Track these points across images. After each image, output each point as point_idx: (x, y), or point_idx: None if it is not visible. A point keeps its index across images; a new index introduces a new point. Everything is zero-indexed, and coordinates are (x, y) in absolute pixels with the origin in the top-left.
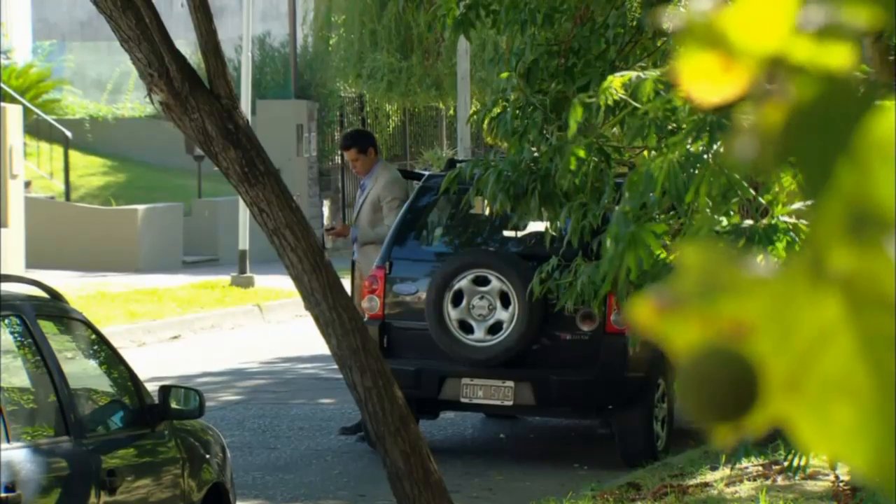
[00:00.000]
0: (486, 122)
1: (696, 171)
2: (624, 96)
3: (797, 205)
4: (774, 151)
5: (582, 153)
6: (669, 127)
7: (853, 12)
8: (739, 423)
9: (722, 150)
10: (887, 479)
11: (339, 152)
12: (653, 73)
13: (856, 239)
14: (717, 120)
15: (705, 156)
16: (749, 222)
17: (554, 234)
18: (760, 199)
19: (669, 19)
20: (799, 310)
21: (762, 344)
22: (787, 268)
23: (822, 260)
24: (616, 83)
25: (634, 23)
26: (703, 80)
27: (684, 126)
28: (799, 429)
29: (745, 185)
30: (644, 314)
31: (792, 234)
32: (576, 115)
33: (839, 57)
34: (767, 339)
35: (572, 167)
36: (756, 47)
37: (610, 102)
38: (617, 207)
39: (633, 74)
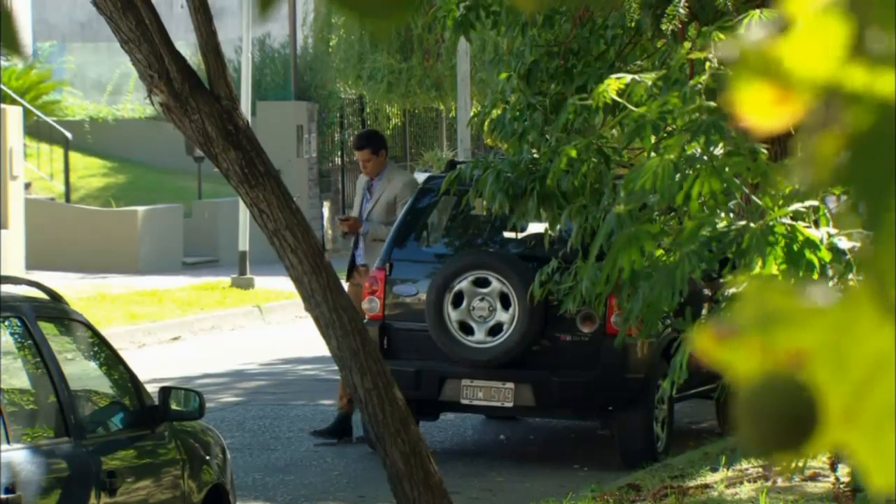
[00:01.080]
0: (486, 123)
1: (691, 172)
2: (618, 99)
3: (794, 206)
4: (832, 180)
5: (573, 153)
6: (668, 129)
7: None
8: (798, 451)
9: (718, 151)
10: None
11: (340, 153)
12: (648, 76)
13: None
14: (713, 121)
15: (703, 157)
16: (743, 223)
17: (553, 235)
18: (757, 200)
19: (727, 51)
20: (856, 339)
21: (820, 373)
22: (845, 297)
23: (884, 289)
24: (612, 86)
25: (633, 24)
26: (760, 110)
27: (681, 126)
28: (857, 456)
29: (740, 185)
30: (705, 343)
31: (789, 236)
32: (565, 116)
33: (893, 83)
34: (825, 369)
35: (562, 166)
36: (811, 76)
37: (601, 105)
38: (613, 208)
39: (629, 77)
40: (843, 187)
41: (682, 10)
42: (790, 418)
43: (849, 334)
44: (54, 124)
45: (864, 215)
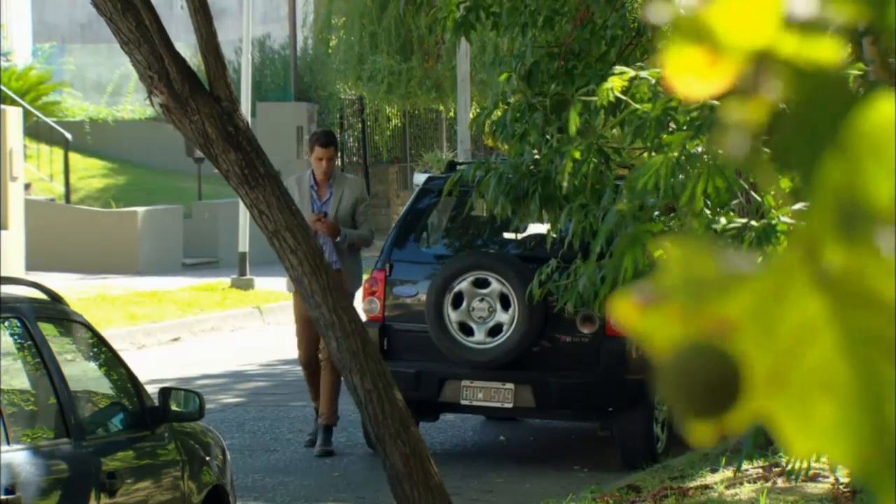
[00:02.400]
0: (486, 125)
1: (693, 171)
2: (622, 97)
3: (798, 206)
4: (762, 147)
5: (578, 155)
6: (670, 127)
7: (840, 7)
8: (721, 419)
9: (713, 146)
10: (869, 476)
11: (340, 154)
12: (652, 73)
13: (846, 234)
14: (716, 118)
15: (704, 156)
16: (744, 220)
17: (555, 236)
18: (758, 197)
19: (658, 15)
20: (782, 306)
21: (745, 340)
22: (771, 264)
23: (813, 256)
24: (616, 83)
25: (635, 24)
26: (690, 75)
27: (683, 125)
28: (781, 425)
29: (742, 183)
30: (626, 310)
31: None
32: (576, 114)
33: (826, 51)
34: (750, 336)
35: (569, 170)
36: (743, 42)
37: (605, 103)
38: (613, 207)
39: (632, 74)
40: (774, 154)
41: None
42: (713, 385)
43: (776, 301)
44: (54, 125)
45: (796, 182)
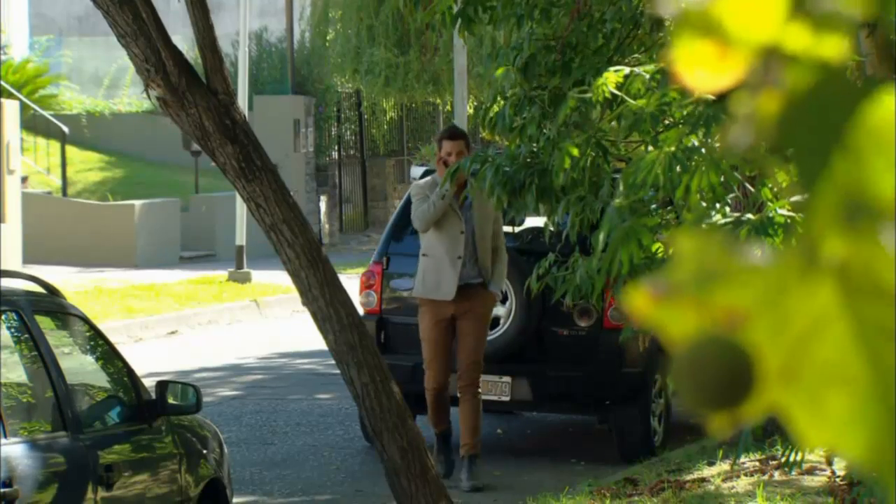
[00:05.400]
0: (484, 119)
1: (690, 165)
2: (617, 92)
3: (795, 198)
4: (769, 141)
5: (575, 152)
6: (666, 122)
7: (849, 1)
8: (735, 411)
9: (717, 141)
10: (881, 469)
11: (337, 148)
12: (646, 69)
13: (850, 227)
14: (713, 113)
15: (701, 149)
16: (737, 215)
17: (553, 229)
18: (754, 190)
19: (665, 8)
20: (794, 298)
21: (757, 332)
22: (782, 256)
23: (816, 248)
24: (610, 79)
25: (633, 17)
26: (698, 69)
27: (679, 119)
28: (794, 418)
29: (738, 177)
30: (639, 303)
31: (789, 227)
32: (565, 110)
33: (834, 46)
34: (762, 328)
35: (566, 166)
36: (751, 36)
37: (601, 99)
38: (612, 202)
39: (627, 70)
40: (781, 148)
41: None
42: (727, 378)
43: (787, 293)
44: (51, 118)
45: (801, 176)
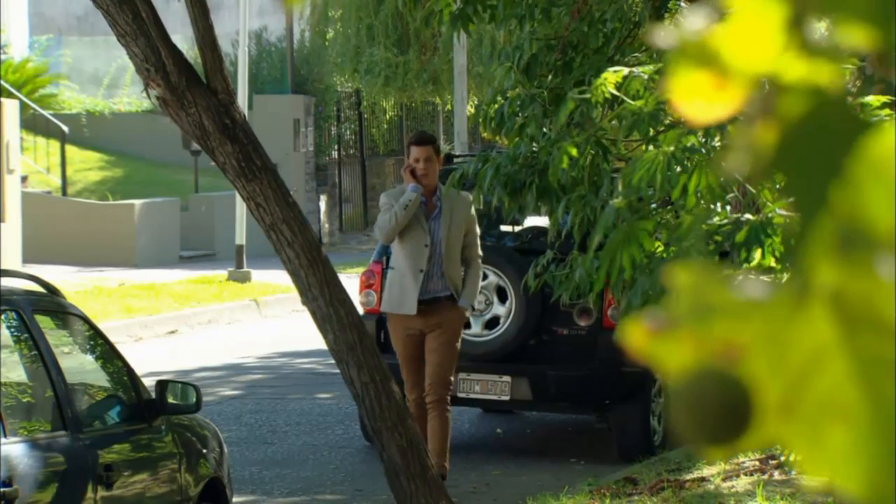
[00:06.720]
0: (484, 118)
1: (689, 165)
2: (616, 93)
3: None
4: (766, 170)
5: (574, 152)
6: (666, 121)
7: (848, 32)
8: (733, 445)
9: (716, 145)
10: (880, 502)
11: (337, 147)
12: (645, 69)
13: (847, 259)
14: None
15: (700, 150)
16: (736, 216)
17: (554, 231)
18: (753, 191)
19: (664, 29)
20: (792, 331)
21: (755, 366)
22: (780, 289)
23: (813, 280)
24: (609, 79)
25: (635, 17)
26: (696, 99)
27: (678, 119)
28: (793, 451)
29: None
30: (637, 337)
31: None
32: (566, 111)
33: (832, 76)
34: (761, 361)
35: (564, 166)
36: (748, 66)
37: (601, 99)
38: (611, 201)
39: (626, 71)
40: (779, 178)
41: (682, 3)
42: (725, 412)
43: (785, 326)
44: (51, 118)
45: (798, 206)
